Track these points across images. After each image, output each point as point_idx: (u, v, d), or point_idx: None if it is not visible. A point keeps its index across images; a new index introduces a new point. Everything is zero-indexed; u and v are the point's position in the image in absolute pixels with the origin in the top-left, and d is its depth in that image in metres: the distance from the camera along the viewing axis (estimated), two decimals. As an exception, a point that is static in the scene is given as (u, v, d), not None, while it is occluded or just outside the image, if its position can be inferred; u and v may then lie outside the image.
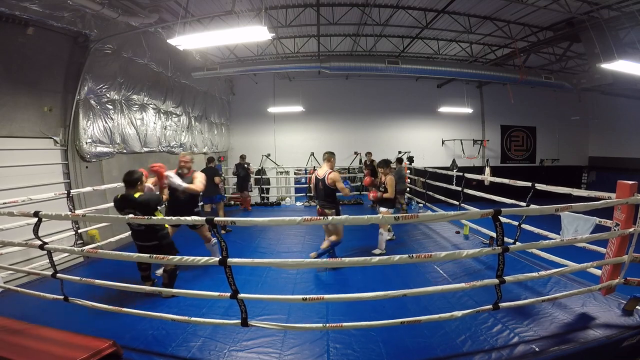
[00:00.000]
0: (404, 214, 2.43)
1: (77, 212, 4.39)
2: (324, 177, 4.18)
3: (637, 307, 2.80)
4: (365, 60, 8.51)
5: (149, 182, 3.69)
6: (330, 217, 2.14)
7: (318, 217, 2.27)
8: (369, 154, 8.63)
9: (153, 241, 3.26)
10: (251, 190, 8.28)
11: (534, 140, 13.19)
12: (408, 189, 8.42)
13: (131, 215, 2.81)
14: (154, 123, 7.13)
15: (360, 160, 11.41)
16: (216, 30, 5.07)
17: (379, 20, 7.24)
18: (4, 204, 3.46)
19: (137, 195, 3.20)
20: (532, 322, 2.77)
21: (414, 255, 2.29)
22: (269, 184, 11.03)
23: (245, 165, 8.01)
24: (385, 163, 4.96)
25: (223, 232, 4.09)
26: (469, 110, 11.84)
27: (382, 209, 4.88)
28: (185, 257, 2.33)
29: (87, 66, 5.17)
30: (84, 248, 3.94)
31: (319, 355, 2.45)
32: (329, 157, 4.30)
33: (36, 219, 2.69)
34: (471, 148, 12.72)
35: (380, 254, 4.68)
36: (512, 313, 2.85)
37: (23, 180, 4.36)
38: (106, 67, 5.58)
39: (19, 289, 3.11)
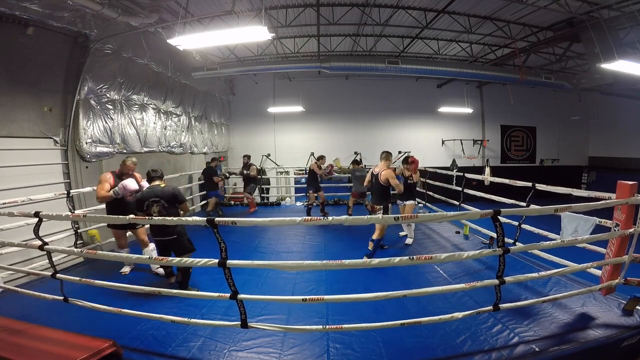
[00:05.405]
0: (404, 214, 2.42)
1: (77, 212, 4.39)
2: (378, 174, 4.47)
3: (637, 307, 2.80)
4: (365, 60, 8.49)
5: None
6: (330, 218, 2.14)
7: (318, 218, 2.26)
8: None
9: (172, 235, 3.40)
10: (250, 193, 8.07)
11: (534, 140, 13.18)
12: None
13: (132, 216, 2.81)
14: (154, 123, 7.11)
15: (360, 160, 11.39)
16: (216, 30, 5.06)
17: (379, 20, 7.23)
18: (3, 204, 3.46)
19: (163, 185, 3.55)
20: (532, 322, 2.77)
21: (414, 257, 2.29)
22: (269, 184, 11.02)
23: (246, 166, 7.90)
24: (406, 160, 5.39)
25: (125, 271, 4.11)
26: (469, 110, 11.82)
27: (410, 202, 5.34)
28: (185, 259, 2.33)
29: (87, 66, 5.16)
30: (83, 249, 3.96)
31: (319, 356, 2.45)
32: (387, 156, 4.59)
33: (36, 219, 2.69)
34: (471, 148, 12.70)
35: (410, 244, 5.30)
36: (512, 313, 2.85)
37: (23, 180, 4.34)
38: (106, 67, 5.57)
39: (18, 289, 3.12)
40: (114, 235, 4.23)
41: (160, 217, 3.19)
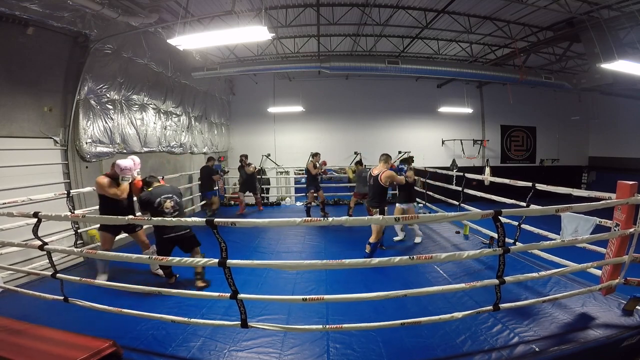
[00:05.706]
0: (404, 215, 2.44)
1: (77, 212, 4.39)
2: (378, 175, 4.41)
3: (637, 307, 2.80)
4: (365, 60, 8.49)
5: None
6: (330, 219, 2.14)
7: (317, 219, 2.27)
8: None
9: (186, 229, 3.53)
10: (256, 193, 8.08)
11: (534, 140, 13.19)
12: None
13: (131, 217, 2.82)
14: (154, 123, 7.11)
15: (361, 160, 11.40)
16: (216, 30, 5.06)
17: (379, 20, 7.23)
18: (3, 204, 3.46)
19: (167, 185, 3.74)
20: (532, 322, 2.77)
21: (414, 256, 2.29)
22: (269, 184, 11.02)
23: (244, 166, 7.73)
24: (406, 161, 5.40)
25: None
26: (469, 110, 11.83)
27: (409, 206, 5.20)
28: (185, 259, 2.33)
29: (87, 66, 5.16)
30: (83, 248, 3.94)
31: (319, 355, 2.45)
32: (387, 158, 4.57)
33: (36, 220, 2.69)
34: (471, 148, 12.71)
35: (420, 242, 5.28)
36: (512, 313, 2.85)
37: (23, 180, 4.34)
38: (106, 67, 5.57)
39: (18, 289, 3.12)
40: (101, 239, 3.89)
41: (160, 218, 3.20)
